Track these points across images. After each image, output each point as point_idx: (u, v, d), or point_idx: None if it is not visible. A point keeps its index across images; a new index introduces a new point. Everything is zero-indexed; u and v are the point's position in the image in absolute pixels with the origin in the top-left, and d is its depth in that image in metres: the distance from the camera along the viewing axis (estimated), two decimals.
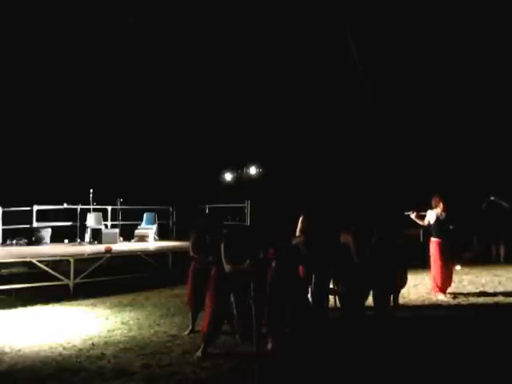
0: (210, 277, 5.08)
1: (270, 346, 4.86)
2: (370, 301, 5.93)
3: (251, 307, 4.63)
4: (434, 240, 7.43)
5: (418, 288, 8.16)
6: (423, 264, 8.47)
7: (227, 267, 4.88)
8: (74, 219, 11.59)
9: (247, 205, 11.93)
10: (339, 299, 5.77)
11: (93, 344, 5.31)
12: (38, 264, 8.34)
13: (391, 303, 6.33)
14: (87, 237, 11.26)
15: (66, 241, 11.58)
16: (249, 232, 5.27)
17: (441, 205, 7.38)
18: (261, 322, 4.94)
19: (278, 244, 5.00)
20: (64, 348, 5.18)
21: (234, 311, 5.15)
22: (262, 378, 4.12)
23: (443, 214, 7.39)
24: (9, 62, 15.23)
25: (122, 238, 11.77)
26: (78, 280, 8.42)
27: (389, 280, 5.92)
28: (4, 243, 10.91)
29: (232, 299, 5.09)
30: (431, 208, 7.51)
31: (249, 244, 5.05)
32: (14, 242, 10.88)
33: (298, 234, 5.63)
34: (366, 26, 14.33)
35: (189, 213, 13.14)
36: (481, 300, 7.26)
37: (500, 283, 8.58)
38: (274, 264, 4.96)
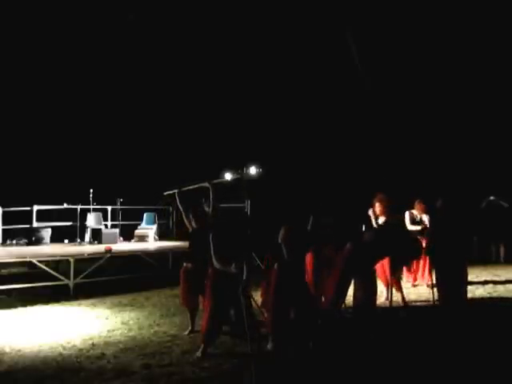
0: (207, 276, 5.07)
1: (270, 346, 4.86)
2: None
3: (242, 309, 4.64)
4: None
5: (418, 288, 8.16)
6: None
7: (216, 264, 4.87)
8: (74, 219, 11.59)
9: (247, 205, 11.91)
10: None
11: (93, 344, 5.30)
12: (38, 264, 8.34)
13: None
14: (87, 237, 11.27)
15: (66, 241, 11.59)
16: (240, 231, 5.23)
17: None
18: (255, 324, 4.95)
19: (278, 245, 4.97)
20: (64, 348, 5.18)
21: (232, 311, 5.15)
22: (261, 377, 4.12)
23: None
24: (8, 61, 15.22)
25: (122, 238, 11.77)
26: (78, 280, 8.42)
27: None
28: (4, 243, 10.91)
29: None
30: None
31: (238, 244, 5.00)
32: (14, 241, 10.88)
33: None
34: (366, 26, 14.32)
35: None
36: (481, 300, 7.26)
37: (500, 283, 8.58)
38: (275, 266, 4.96)
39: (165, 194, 7.62)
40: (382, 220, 6.50)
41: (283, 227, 4.93)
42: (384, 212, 6.44)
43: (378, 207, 6.47)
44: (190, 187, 6.85)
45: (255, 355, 4.39)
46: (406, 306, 6.86)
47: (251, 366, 4.11)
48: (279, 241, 4.91)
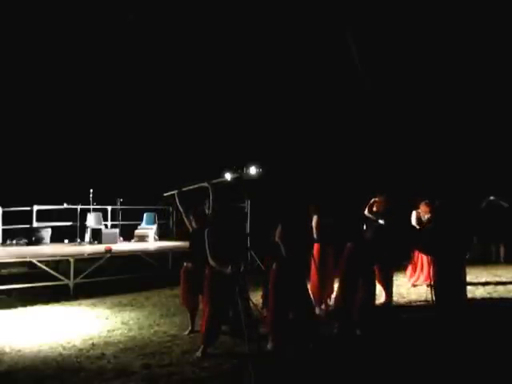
0: (205, 276, 5.06)
1: (270, 346, 4.86)
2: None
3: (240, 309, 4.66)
4: None
5: (418, 288, 8.16)
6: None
7: (212, 262, 4.85)
8: (74, 219, 11.59)
9: (247, 205, 11.91)
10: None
11: (93, 344, 5.31)
12: (38, 264, 8.34)
13: None
14: (87, 237, 11.26)
15: (66, 241, 11.59)
16: (238, 231, 5.22)
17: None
18: (253, 324, 4.93)
19: (276, 244, 4.97)
20: (64, 348, 5.18)
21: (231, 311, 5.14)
22: (261, 378, 4.12)
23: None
24: (8, 61, 15.22)
25: (121, 238, 11.77)
26: (78, 280, 8.42)
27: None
28: (4, 243, 10.91)
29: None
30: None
31: (235, 244, 4.98)
32: (14, 242, 10.88)
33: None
34: (366, 26, 14.32)
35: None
36: (481, 300, 7.26)
37: (500, 283, 8.59)
38: (274, 265, 4.96)
39: (164, 194, 7.62)
40: (381, 220, 6.50)
41: (280, 225, 4.93)
42: (383, 212, 6.47)
43: (376, 207, 6.49)
44: (190, 187, 6.85)
45: (253, 355, 4.40)
46: (387, 302, 6.88)
47: (249, 365, 4.11)
48: (276, 239, 4.91)
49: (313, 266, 6.71)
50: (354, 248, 5.55)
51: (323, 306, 6.60)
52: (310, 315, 4.93)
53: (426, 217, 7.95)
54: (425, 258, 7.96)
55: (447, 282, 5.59)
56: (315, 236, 6.69)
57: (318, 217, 6.66)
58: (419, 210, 8.05)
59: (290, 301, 4.79)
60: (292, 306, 4.82)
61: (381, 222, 6.30)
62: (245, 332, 4.47)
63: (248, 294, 5.42)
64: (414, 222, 8.08)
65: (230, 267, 4.69)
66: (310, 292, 5.24)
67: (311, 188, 13.38)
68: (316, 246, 6.69)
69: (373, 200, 6.57)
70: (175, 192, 6.42)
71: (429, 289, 7.28)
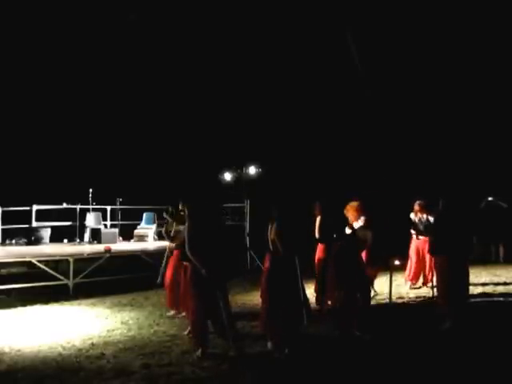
0: (186, 278, 4.98)
1: (269, 346, 4.85)
2: None
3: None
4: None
5: (418, 288, 8.16)
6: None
7: (189, 253, 4.72)
8: (73, 219, 11.57)
9: (247, 205, 11.92)
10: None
11: (92, 344, 5.30)
12: (38, 264, 8.33)
13: None
14: (87, 237, 11.26)
15: (66, 241, 11.58)
16: (224, 238, 5.13)
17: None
18: (234, 325, 4.92)
19: (273, 243, 4.94)
20: (64, 348, 5.18)
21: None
22: (261, 378, 4.12)
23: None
24: (8, 61, 15.21)
25: (121, 238, 11.76)
26: (77, 280, 8.42)
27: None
28: (3, 243, 10.89)
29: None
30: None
31: (216, 242, 4.86)
32: (14, 241, 10.86)
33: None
34: (366, 27, 14.33)
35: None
36: (481, 300, 7.26)
37: (500, 283, 8.59)
38: (266, 264, 4.96)
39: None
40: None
41: (275, 223, 4.91)
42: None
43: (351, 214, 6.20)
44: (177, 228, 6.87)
45: (238, 355, 4.50)
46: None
47: (245, 367, 4.13)
48: (271, 237, 4.88)
49: (317, 266, 6.72)
50: (340, 246, 5.52)
51: (324, 306, 6.61)
52: (303, 314, 4.91)
53: (425, 217, 7.92)
54: (427, 257, 7.91)
55: (450, 281, 5.59)
56: (317, 235, 6.69)
57: (321, 216, 6.66)
58: (417, 212, 8.06)
59: (284, 299, 4.78)
60: (286, 304, 4.80)
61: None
62: (229, 334, 4.50)
63: (227, 298, 5.37)
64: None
65: (204, 271, 4.62)
66: (305, 291, 5.23)
67: (311, 187, 13.37)
68: (320, 246, 6.69)
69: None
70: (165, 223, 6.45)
71: (430, 289, 7.31)
